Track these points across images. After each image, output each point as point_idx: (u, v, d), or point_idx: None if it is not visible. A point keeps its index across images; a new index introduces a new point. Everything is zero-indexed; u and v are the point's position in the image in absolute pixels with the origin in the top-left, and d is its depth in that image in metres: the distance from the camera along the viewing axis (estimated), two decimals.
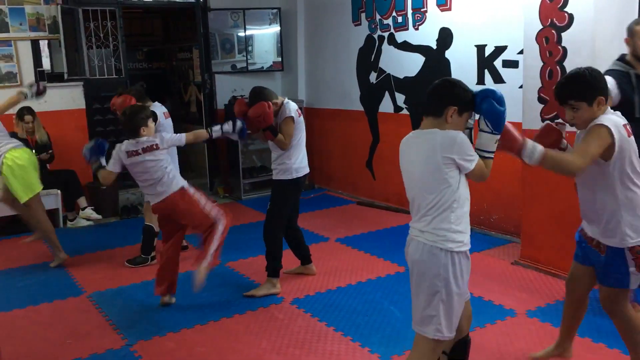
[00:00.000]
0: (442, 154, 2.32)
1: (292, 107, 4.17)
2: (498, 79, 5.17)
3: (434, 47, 5.77)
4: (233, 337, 3.64)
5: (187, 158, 8.19)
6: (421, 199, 2.43)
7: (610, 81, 3.23)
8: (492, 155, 2.44)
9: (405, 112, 6.25)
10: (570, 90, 2.61)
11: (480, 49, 5.29)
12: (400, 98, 6.29)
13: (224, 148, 7.56)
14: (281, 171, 4.19)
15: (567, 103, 2.62)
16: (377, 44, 6.51)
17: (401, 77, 6.24)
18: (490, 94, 2.40)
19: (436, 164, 2.34)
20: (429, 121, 2.43)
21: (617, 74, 3.57)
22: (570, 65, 4.04)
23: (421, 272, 2.39)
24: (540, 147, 2.54)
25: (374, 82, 6.62)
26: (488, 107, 2.38)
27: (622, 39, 3.91)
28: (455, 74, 5.52)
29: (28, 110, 5.96)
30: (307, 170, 4.29)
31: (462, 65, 5.47)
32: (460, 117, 2.40)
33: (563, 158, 2.61)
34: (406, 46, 6.11)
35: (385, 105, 6.50)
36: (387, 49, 6.37)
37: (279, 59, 7.72)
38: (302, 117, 4.26)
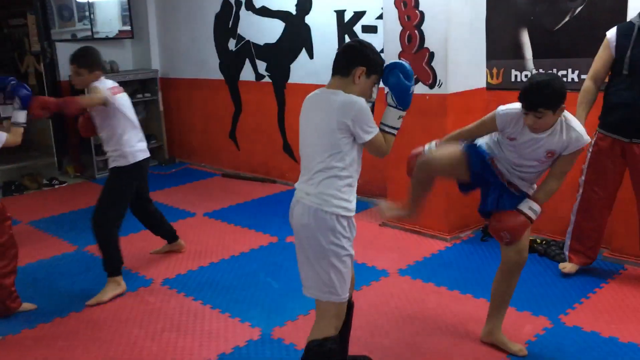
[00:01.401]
0: (338, 117, 2.24)
1: (107, 84, 3.68)
2: None
3: (294, 12, 5.66)
4: (99, 327, 3.35)
5: (29, 137, 7.40)
6: (311, 160, 2.34)
7: (611, 32, 3.39)
8: (394, 132, 2.38)
9: (267, 79, 6.12)
10: (541, 99, 2.49)
11: (340, 14, 5.27)
12: (262, 65, 6.13)
13: (71, 123, 6.93)
14: (116, 158, 3.70)
15: (537, 110, 2.52)
16: (234, 9, 6.26)
17: (261, 44, 6.07)
18: (399, 67, 2.34)
19: (330, 127, 2.25)
20: (335, 81, 2.35)
21: (623, 27, 3.39)
22: (428, 29, 4.16)
23: (309, 236, 2.30)
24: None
25: (233, 49, 6.39)
26: (395, 80, 2.33)
27: (475, 3, 4.09)
28: (317, 40, 5.48)
29: None
30: (147, 154, 3.85)
31: (322, 32, 5.43)
32: (367, 79, 2.33)
33: (552, 190, 2.71)
34: (265, 11, 5.94)
35: (247, 74, 6.32)
36: (245, 14, 6.16)
37: (128, 27, 7.18)
38: (123, 96, 3.76)
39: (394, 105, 2.36)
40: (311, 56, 5.62)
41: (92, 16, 6.99)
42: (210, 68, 6.72)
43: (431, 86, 4.22)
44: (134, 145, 3.73)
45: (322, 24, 5.44)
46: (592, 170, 3.53)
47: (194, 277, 3.95)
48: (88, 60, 3.61)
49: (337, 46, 5.34)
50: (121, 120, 3.67)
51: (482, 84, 4.41)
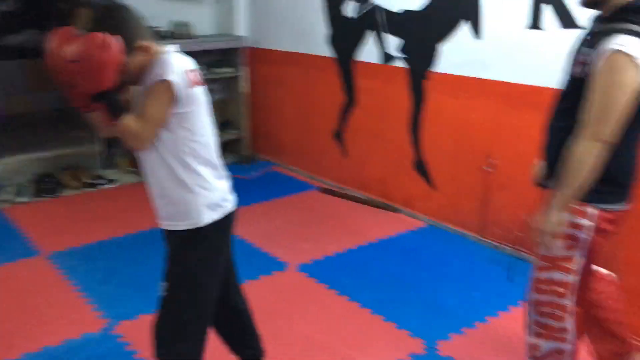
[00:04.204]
0: None
1: (177, 65, 1.85)
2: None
3: None
4: None
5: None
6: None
7: None
8: None
9: (400, 63, 4.21)
10: None
11: None
12: (394, 42, 4.23)
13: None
14: (180, 212, 1.97)
15: None
16: None
17: (397, 10, 4.16)
18: None
19: None
20: None
21: None
22: None
23: None
24: None
25: (354, 16, 4.50)
26: None
27: None
28: (490, 9, 3.54)
29: None
30: (234, 200, 2.10)
31: None
32: None
33: None
34: None
35: (369, 53, 4.43)
36: None
37: None
38: (199, 89, 1.92)
39: None
40: (477, 34, 3.67)
41: None
42: (315, 40, 4.86)
43: None
44: (212, 188, 2.00)
45: None
46: None
47: None
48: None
49: (527, 22, 3.36)
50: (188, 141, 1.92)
51: None
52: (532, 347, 2.24)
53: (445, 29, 3.85)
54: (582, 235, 2.05)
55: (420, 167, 4.22)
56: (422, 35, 4.02)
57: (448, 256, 3.70)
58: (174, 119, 1.86)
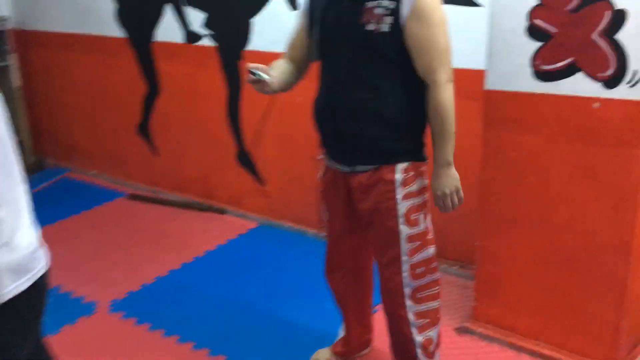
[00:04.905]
0: None
1: None
2: None
3: None
4: None
5: None
6: None
7: None
8: None
9: (207, 42, 3.59)
10: None
11: None
12: (197, 18, 3.59)
13: None
14: None
15: None
16: None
17: None
18: None
19: None
20: None
21: None
22: None
23: None
24: None
25: None
26: None
27: None
28: None
29: None
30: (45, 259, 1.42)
31: None
32: None
33: None
34: None
35: (169, 30, 3.73)
36: None
37: None
38: None
39: None
40: (294, 5, 3.19)
41: None
42: (100, 17, 4.02)
43: (611, 83, 2.02)
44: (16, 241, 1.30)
45: None
46: None
47: None
48: None
49: None
50: None
51: None
52: (424, 345, 1.99)
53: (257, 1, 3.31)
54: (426, 196, 1.93)
55: (245, 160, 3.68)
56: (230, 7, 3.44)
57: (288, 260, 3.25)
58: None
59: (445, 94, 1.79)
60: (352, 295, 2.24)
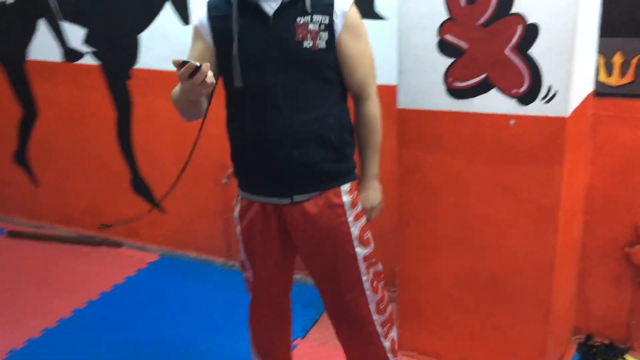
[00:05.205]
0: None
1: None
2: None
3: None
4: None
5: None
6: None
7: None
8: None
9: (90, 60, 3.24)
10: None
11: None
12: (77, 34, 3.22)
13: None
14: None
15: None
16: None
17: None
18: None
19: None
20: None
21: None
22: None
23: None
24: None
25: (10, 0, 3.35)
26: None
27: None
28: None
29: None
30: None
31: None
32: None
33: None
34: None
35: (45, 48, 3.34)
36: None
37: None
38: None
39: None
40: (185, 19, 2.93)
41: None
42: None
43: (526, 99, 1.95)
44: None
45: None
46: None
47: None
48: None
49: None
50: None
51: (589, 87, 2.26)
52: (391, 347, 1.97)
53: (144, 15, 3.01)
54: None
55: (141, 187, 3.37)
56: (113, 22, 3.12)
57: (195, 294, 2.99)
58: None
59: (377, 107, 1.78)
60: (280, 339, 2.09)
